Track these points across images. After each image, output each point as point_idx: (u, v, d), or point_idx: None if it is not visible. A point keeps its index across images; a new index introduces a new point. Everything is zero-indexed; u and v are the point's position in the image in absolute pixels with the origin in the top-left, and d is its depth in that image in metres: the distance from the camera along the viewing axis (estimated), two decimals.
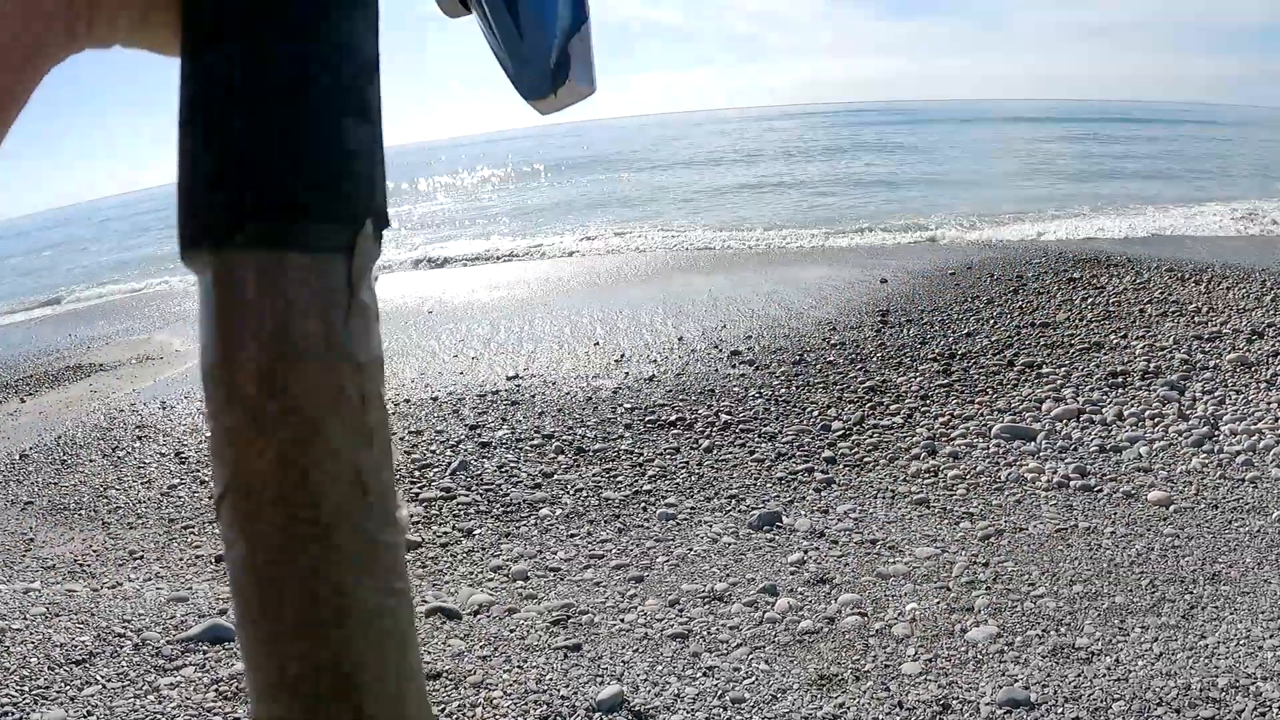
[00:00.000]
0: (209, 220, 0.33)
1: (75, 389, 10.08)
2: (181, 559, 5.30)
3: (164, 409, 8.26)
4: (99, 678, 3.72)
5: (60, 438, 7.75)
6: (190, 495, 6.25)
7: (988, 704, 3.46)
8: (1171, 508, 5.11)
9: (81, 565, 5.30)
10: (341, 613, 0.33)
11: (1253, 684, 3.46)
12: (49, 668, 3.78)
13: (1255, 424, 6.05)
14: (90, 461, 7.14)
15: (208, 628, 4.09)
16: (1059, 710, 3.40)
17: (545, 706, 3.53)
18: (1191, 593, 4.21)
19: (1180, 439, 5.96)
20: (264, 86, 0.33)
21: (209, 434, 0.34)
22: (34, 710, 3.48)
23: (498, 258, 17.64)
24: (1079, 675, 3.60)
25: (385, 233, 0.37)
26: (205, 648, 3.97)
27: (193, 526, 5.76)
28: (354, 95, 0.35)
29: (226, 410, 0.33)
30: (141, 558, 5.36)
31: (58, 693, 3.63)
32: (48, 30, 0.35)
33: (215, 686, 3.66)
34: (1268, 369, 6.93)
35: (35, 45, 0.35)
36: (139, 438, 7.51)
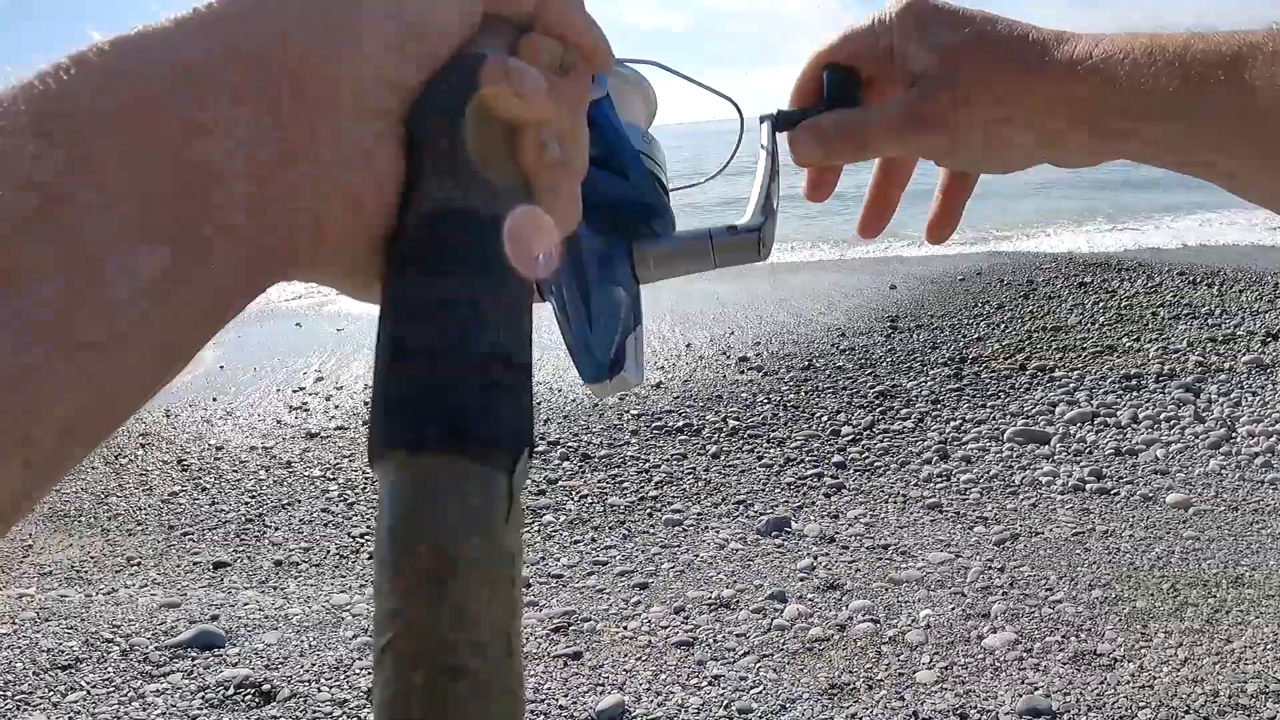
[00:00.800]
0: (409, 427, 0.38)
1: None
2: (179, 566, 5.20)
3: (168, 417, 8.16)
4: (84, 684, 3.63)
5: None
6: (190, 502, 6.16)
7: (1007, 713, 3.34)
8: (1190, 510, 4.98)
9: (78, 571, 5.20)
10: None
11: None
12: (34, 673, 3.69)
13: (1273, 425, 5.92)
14: (92, 468, 7.05)
15: (197, 633, 4.00)
16: (1083, 719, 3.28)
17: (543, 717, 3.42)
18: (1215, 596, 4.08)
19: (1197, 441, 5.84)
20: (460, 343, 0.39)
21: (376, 611, 0.36)
22: (16, 715, 3.41)
23: None
24: (1102, 682, 3.47)
25: None
26: (194, 654, 3.87)
27: (192, 533, 5.66)
28: (521, 353, 0.42)
29: (398, 591, 0.36)
30: (139, 564, 5.27)
31: (41, 698, 3.54)
32: (259, 278, 0.43)
33: (202, 694, 3.56)
34: None
35: (244, 291, 0.43)
36: (142, 445, 7.42)
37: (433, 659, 0.35)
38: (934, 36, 0.77)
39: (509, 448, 0.39)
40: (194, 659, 3.82)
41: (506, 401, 0.40)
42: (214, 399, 8.73)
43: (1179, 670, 3.53)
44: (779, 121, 0.85)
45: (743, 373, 7.62)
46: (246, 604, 4.49)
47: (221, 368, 10.41)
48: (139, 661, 3.79)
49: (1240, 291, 9.03)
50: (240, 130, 0.38)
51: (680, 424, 6.61)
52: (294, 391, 8.39)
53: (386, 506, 0.37)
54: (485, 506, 0.37)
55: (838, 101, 0.83)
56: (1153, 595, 4.12)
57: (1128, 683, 3.47)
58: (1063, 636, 3.83)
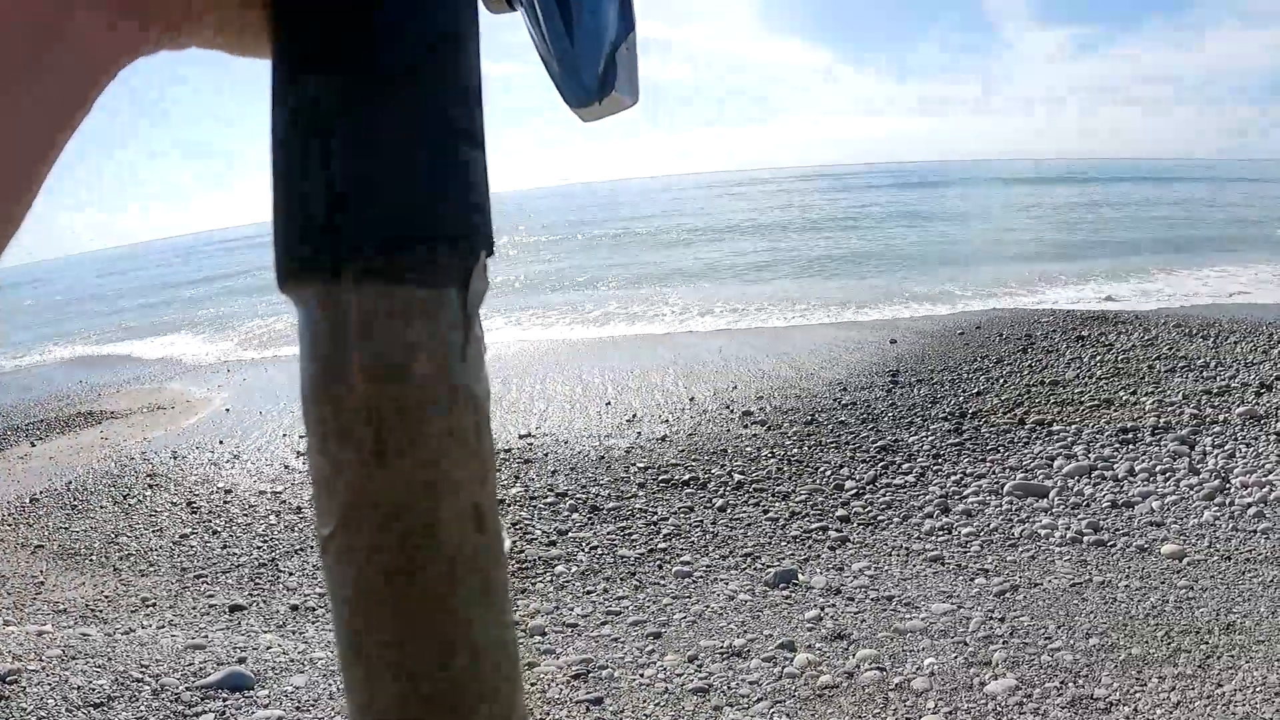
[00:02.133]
0: (316, 251, 0.31)
1: (86, 435, 10.18)
2: (195, 608, 5.33)
3: (175, 459, 8.33)
4: None
5: (70, 483, 7.82)
6: (203, 545, 6.30)
7: None
8: (1185, 560, 5.12)
9: (93, 610, 5.33)
10: (463, 644, 0.33)
11: None
12: (67, 710, 3.80)
13: (1266, 475, 6.07)
14: (100, 508, 7.19)
15: (227, 675, 4.12)
16: None
17: None
18: (1207, 642, 4.22)
19: (1191, 493, 5.98)
20: (375, 113, 0.32)
21: (311, 467, 0.32)
22: None
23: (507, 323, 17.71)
24: None
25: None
26: (225, 694, 3.99)
27: (205, 576, 5.79)
28: (464, 121, 0.34)
29: (338, 444, 0.31)
30: (154, 605, 5.39)
31: None
32: (123, 22, 0.33)
33: None
34: (1276, 421, 6.96)
35: (108, 42, 0.33)
36: (150, 486, 7.57)
37: (386, 535, 0.31)
38: None
39: (458, 255, 0.33)
40: (225, 700, 3.94)
41: (446, 191, 0.33)
42: (220, 442, 8.89)
43: (1172, 713, 3.66)
44: None
45: (746, 426, 7.78)
46: (269, 647, 4.62)
47: (228, 410, 10.58)
48: (171, 701, 3.90)
49: (1235, 343, 9.19)
50: None
51: (686, 477, 6.76)
52: (300, 436, 8.53)
53: (305, 349, 0.32)
54: (431, 341, 0.32)
55: None
56: (1147, 642, 4.26)
57: None
58: (1061, 682, 3.97)
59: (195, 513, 6.89)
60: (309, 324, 0.32)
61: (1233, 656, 4.07)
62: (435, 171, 0.32)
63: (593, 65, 0.54)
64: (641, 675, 4.25)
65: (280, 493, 7.03)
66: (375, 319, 0.31)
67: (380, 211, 0.31)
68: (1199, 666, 4.02)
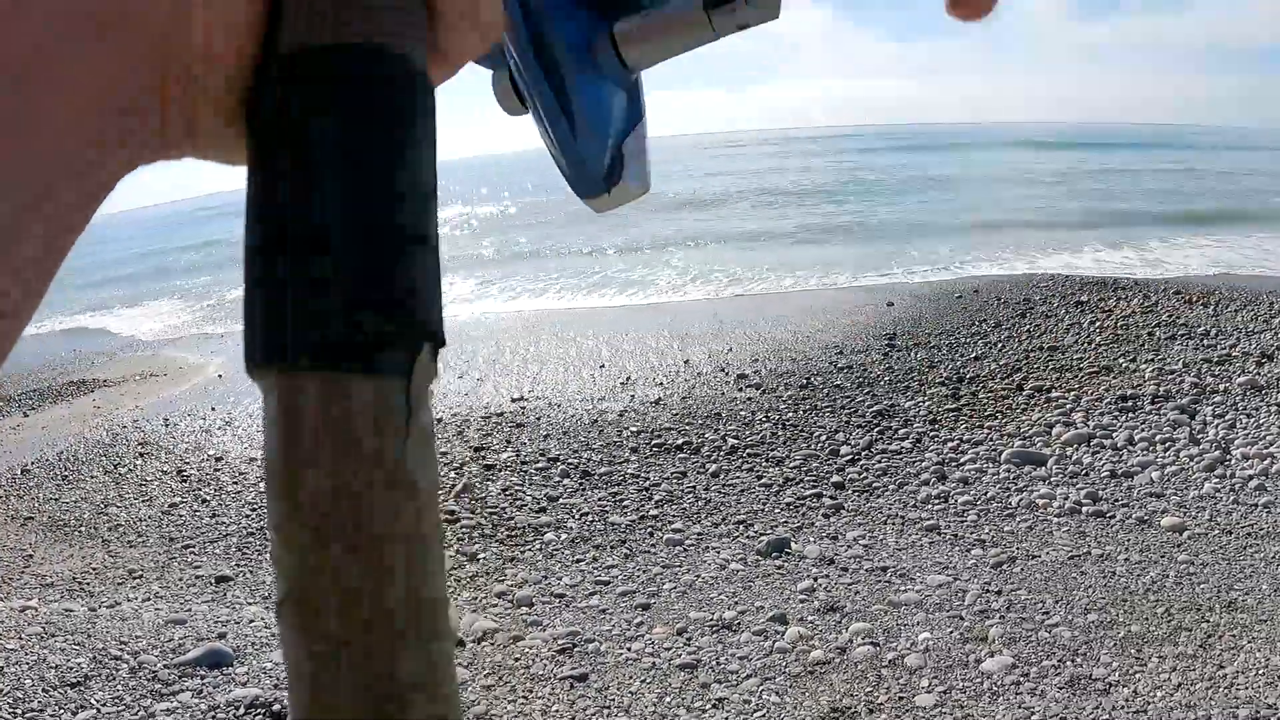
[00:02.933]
0: (275, 342, 0.33)
1: (79, 404, 10.08)
2: (181, 579, 5.25)
3: (167, 426, 8.23)
4: (94, 701, 3.67)
5: (62, 453, 7.73)
6: (191, 514, 6.21)
7: None
8: (1185, 534, 5.04)
9: (80, 584, 5.25)
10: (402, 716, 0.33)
11: (1274, 715, 3.40)
12: (43, 690, 3.73)
13: (1267, 448, 5.98)
14: (91, 478, 7.10)
15: (206, 652, 4.04)
16: None
17: None
18: (1208, 620, 4.14)
19: (1192, 464, 5.90)
20: (333, 214, 0.34)
21: (270, 541, 0.34)
22: None
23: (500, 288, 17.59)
24: (1097, 707, 3.53)
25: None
26: (203, 672, 3.91)
27: (193, 545, 5.71)
28: (416, 224, 0.36)
29: (288, 523, 0.33)
30: (141, 577, 5.31)
31: (51, 716, 3.58)
32: (128, 135, 0.35)
33: (213, 713, 3.60)
34: (1278, 392, 6.87)
35: (111, 153, 0.35)
36: (141, 455, 7.48)
37: (326, 620, 0.32)
38: None
39: (403, 346, 0.34)
40: (203, 678, 3.86)
41: (393, 288, 0.34)
42: (212, 408, 8.79)
43: (1173, 695, 3.59)
44: None
45: (741, 390, 7.67)
46: (252, 621, 4.54)
47: (220, 376, 10.48)
48: (148, 679, 3.83)
49: (1235, 311, 9.08)
50: None
51: (680, 442, 6.66)
52: None
53: (266, 432, 0.34)
54: (375, 429, 0.33)
55: None
56: (1147, 620, 4.18)
57: (1123, 708, 3.53)
58: (1059, 661, 3.89)
59: (185, 481, 6.80)
60: (267, 409, 0.34)
61: (1235, 636, 3.99)
62: (385, 273, 0.34)
63: (599, 157, 0.57)
64: (629, 649, 4.17)
65: None
66: (321, 409, 0.33)
67: (328, 310, 0.33)
68: (1200, 646, 3.93)
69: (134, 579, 5.30)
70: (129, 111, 0.34)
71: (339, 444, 0.32)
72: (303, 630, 0.33)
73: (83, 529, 6.17)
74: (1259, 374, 7.25)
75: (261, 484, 6.68)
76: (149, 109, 0.35)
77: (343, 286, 0.33)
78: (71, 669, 3.88)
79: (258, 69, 0.37)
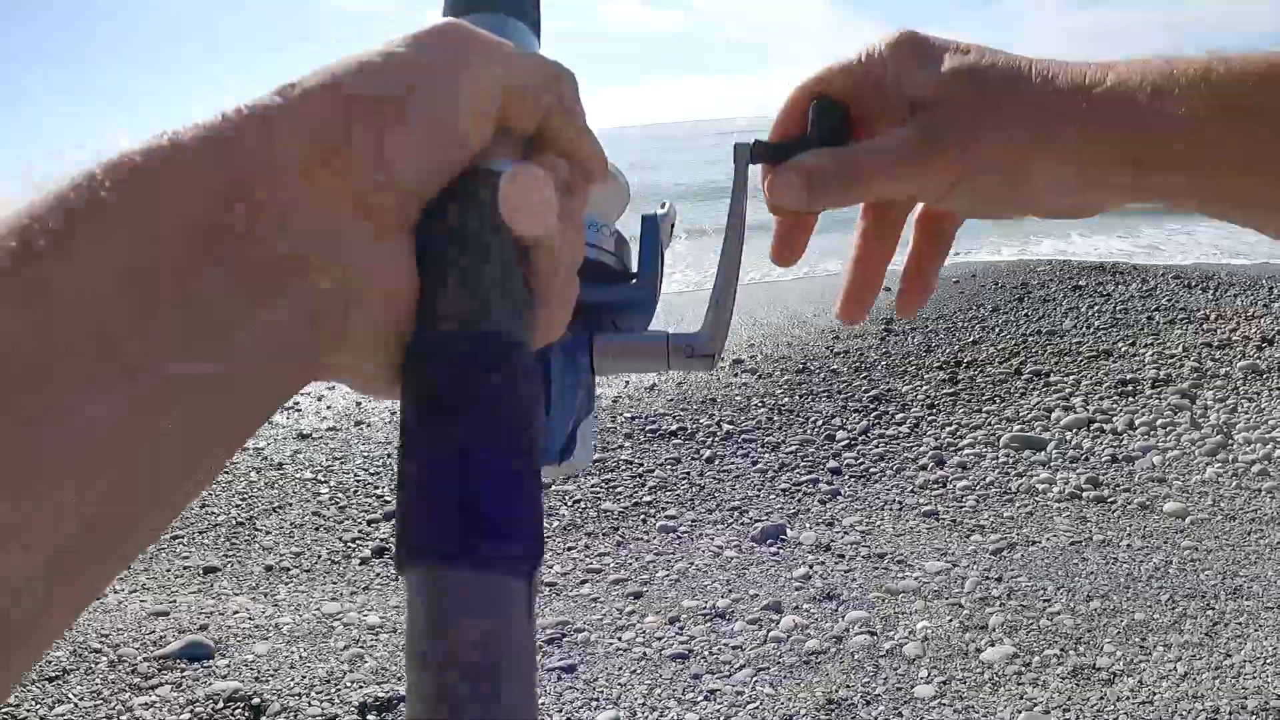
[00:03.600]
0: (426, 545, 0.39)
1: None
2: (169, 570, 5.15)
3: None
4: (72, 695, 3.58)
5: None
6: None
7: None
8: (1188, 519, 4.95)
9: None
10: None
11: None
12: (23, 684, 3.63)
13: (1269, 432, 5.91)
14: None
15: (186, 644, 3.95)
16: None
17: None
18: (1213, 608, 4.05)
19: (1194, 448, 5.81)
20: (481, 453, 0.40)
21: (407, 708, 0.38)
22: None
23: None
24: (1102, 698, 3.44)
25: None
26: (183, 665, 3.82)
27: (182, 537, 5.60)
28: (536, 468, 0.43)
29: (426, 699, 0.37)
30: (129, 568, 5.21)
31: (28, 711, 3.50)
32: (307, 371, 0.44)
33: (191, 707, 3.51)
34: (1279, 376, 6.79)
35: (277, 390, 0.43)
36: None
37: None
38: (932, 64, 0.70)
39: (530, 554, 0.40)
40: (183, 670, 3.77)
41: (526, 511, 0.41)
42: None
43: (1178, 685, 3.50)
44: (757, 153, 0.78)
45: (736, 375, 7.58)
46: (237, 612, 4.44)
47: None
48: (127, 673, 3.74)
49: (1235, 296, 9.02)
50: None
51: (674, 427, 6.57)
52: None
53: (417, 619, 0.38)
54: (513, 615, 0.39)
55: (826, 139, 0.74)
56: (1151, 607, 4.09)
57: (1127, 698, 3.44)
58: (1061, 650, 3.80)
59: None
60: (412, 600, 0.39)
61: (1240, 624, 3.90)
62: (515, 508, 0.41)
63: (559, 435, 0.68)
64: (619, 639, 4.07)
65: (262, 448, 6.82)
66: (465, 604, 0.38)
67: (474, 526, 0.39)
68: (1205, 634, 3.85)
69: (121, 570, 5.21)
70: (305, 366, 0.44)
71: (484, 629, 0.38)
72: None
73: None
74: (1259, 358, 7.17)
75: (251, 474, 6.69)
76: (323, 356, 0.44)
77: (482, 506, 0.39)
78: (50, 663, 3.79)
79: (409, 345, 0.44)
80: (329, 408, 7.58)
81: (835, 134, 0.75)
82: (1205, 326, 8.08)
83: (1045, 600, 4.22)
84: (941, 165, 0.69)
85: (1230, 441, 5.84)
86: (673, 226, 0.88)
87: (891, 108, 0.72)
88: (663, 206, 0.88)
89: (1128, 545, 4.70)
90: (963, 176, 0.69)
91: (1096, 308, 8.83)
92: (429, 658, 0.38)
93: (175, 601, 4.59)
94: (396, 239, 0.44)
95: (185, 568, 5.16)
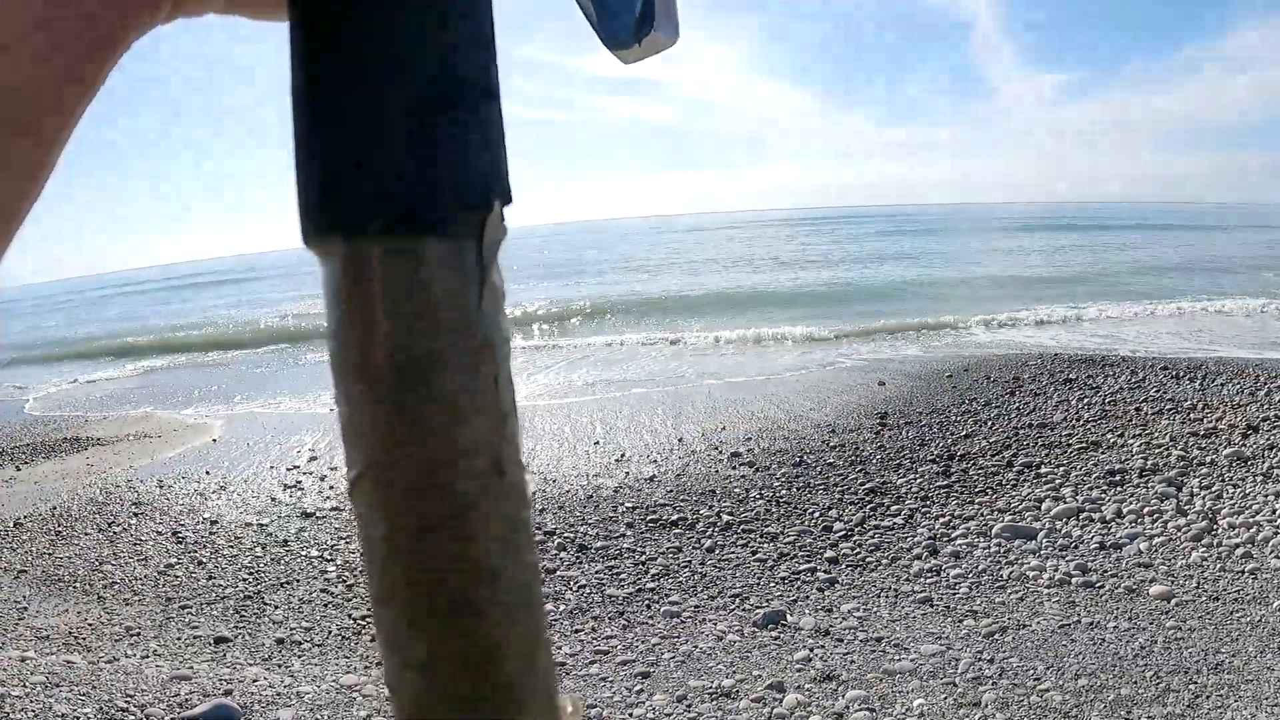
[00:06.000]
0: (339, 207, 0.32)
1: (71, 461, 10.15)
2: (180, 639, 5.29)
3: (161, 488, 8.30)
4: None
5: (55, 509, 7.80)
6: (188, 575, 6.26)
7: None
8: (1173, 601, 5.12)
9: (77, 638, 5.29)
10: (488, 589, 0.34)
11: None
12: None
13: (1253, 516, 6.08)
14: (85, 535, 7.16)
15: (213, 707, 4.09)
16: None
17: None
18: (1196, 682, 4.21)
19: (1179, 534, 5.99)
20: (393, 70, 0.32)
21: (339, 418, 0.34)
22: None
23: None
24: None
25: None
26: None
27: (190, 607, 5.75)
28: (482, 74, 0.34)
29: (361, 397, 0.32)
30: (139, 634, 5.35)
31: None
32: None
33: None
34: (1263, 462, 6.99)
35: (119, 12, 0.34)
36: (135, 514, 7.54)
37: (410, 487, 0.32)
38: None
39: (473, 204, 0.34)
40: None
41: (463, 144, 0.34)
42: (206, 472, 8.86)
43: None
44: None
45: (735, 468, 7.77)
46: (256, 680, 4.58)
47: (215, 441, 10.54)
48: None
49: (1222, 385, 9.23)
50: None
51: (675, 517, 6.74)
52: (288, 469, 8.53)
53: (329, 304, 0.33)
54: (450, 291, 0.33)
55: None
56: (1136, 683, 4.25)
57: None
58: None
59: (180, 542, 6.86)
60: (331, 279, 0.33)
61: (1221, 696, 4.06)
62: (452, 130, 0.33)
63: (630, 5, 0.53)
64: (630, 715, 4.23)
65: (266, 525, 7.00)
66: (394, 273, 0.32)
67: (397, 171, 0.32)
68: (1188, 706, 4.01)
69: (131, 636, 5.34)
70: None
71: (413, 308, 0.32)
72: (382, 509, 0.33)
73: (78, 584, 6.22)
74: (1244, 445, 7.37)
75: (257, 549, 6.82)
76: None
77: (410, 145, 0.32)
78: (78, 718, 3.91)
79: None
80: (331, 488, 7.77)
81: None
82: (1192, 416, 8.29)
83: (1035, 679, 4.37)
84: None
85: (1215, 526, 6.02)
86: None
87: None
88: None
89: (1115, 627, 4.86)
90: None
91: (1086, 400, 9.04)
92: (356, 364, 0.33)
93: (193, 669, 4.72)
94: None
95: (196, 637, 5.30)
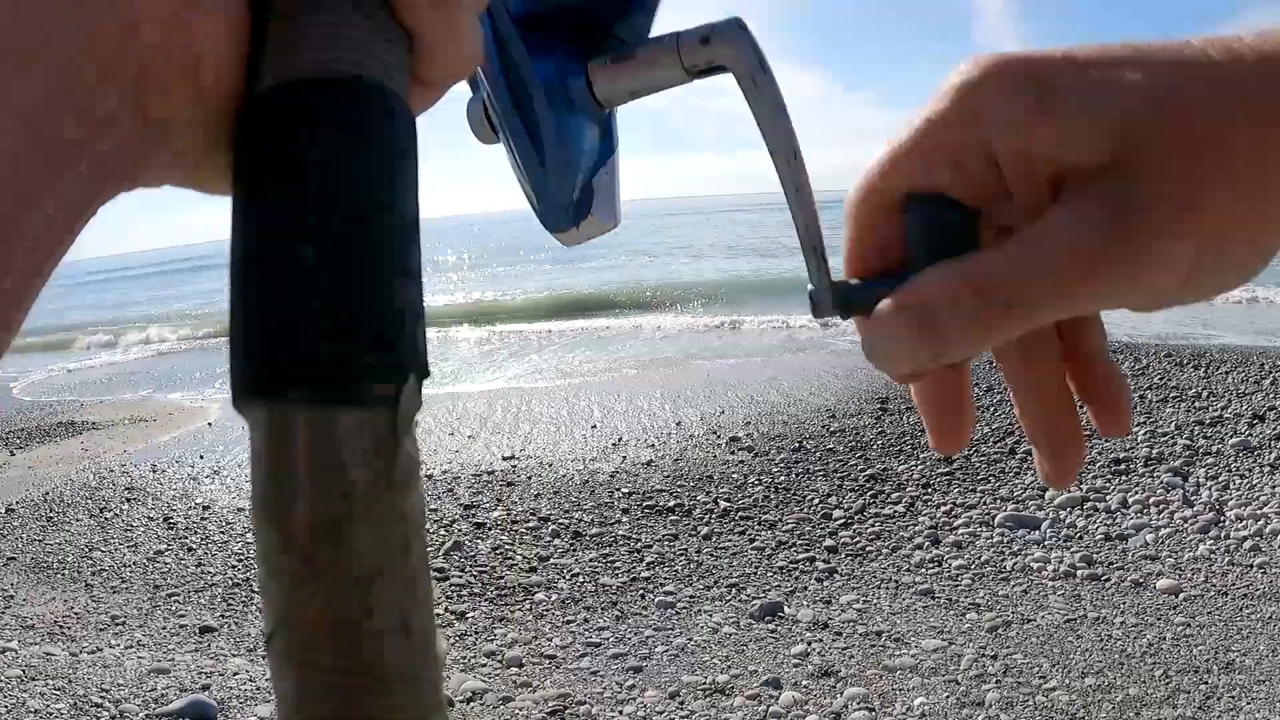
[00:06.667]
0: (263, 375, 0.33)
1: (66, 445, 10.08)
2: (164, 627, 5.19)
3: (155, 472, 8.20)
4: None
5: (48, 494, 7.71)
6: (176, 562, 6.15)
7: None
8: (1181, 595, 5.00)
9: (62, 628, 5.19)
10: None
11: None
12: None
13: (1261, 508, 5.96)
14: (76, 520, 7.07)
15: (189, 703, 3.99)
16: None
17: None
18: (1206, 682, 4.09)
19: (1186, 525, 5.87)
20: (314, 247, 0.33)
21: (258, 573, 0.35)
22: None
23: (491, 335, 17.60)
24: None
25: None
26: None
27: (177, 594, 5.65)
28: (400, 255, 0.35)
29: (277, 555, 0.33)
30: (124, 623, 5.25)
31: None
32: (102, 167, 0.35)
33: None
34: (1271, 452, 6.86)
35: (86, 182, 0.34)
36: (127, 500, 7.44)
37: (317, 651, 0.33)
38: (1076, 104, 0.43)
39: (390, 378, 0.34)
40: None
41: (380, 321, 0.34)
42: (201, 456, 8.76)
43: None
44: (840, 299, 0.54)
45: (733, 453, 7.65)
46: (236, 673, 4.47)
47: (210, 425, 10.45)
48: None
49: (1227, 373, 9.11)
50: None
51: (672, 504, 6.63)
52: None
53: (253, 461, 0.34)
54: (363, 457, 0.33)
55: (946, 250, 0.47)
56: (1145, 683, 4.14)
57: None
58: None
59: (172, 528, 6.76)
60: (255, 440, 0.34)
61: (1233, 697, 3.94)
62: (370, 305, 0.34)
63: (568, 191, 0.58)
64: (620, 712, 4.11)
65: None
66: (312, 439, 0.33)
67: (315, 341, 0.33)
68: (1199, 708, 3.89)
69: (116, 625, 5.24)
70: (95, 124, 0.34)
71: (326, 476, 0.33)
72: (293, 662, 0.33)
73: (66, 572, 6.12)
74: (1251, 435, 7.25)
75: (249, 535, 6.70)
76: (119, 124, 0.35)
77: (328, 318, 0.33)
78: (51, 714, 3.83)
79: (243, 101, 0.37)
80: None
81: (960, 244, 0.48)
82: (1197, 404, 8.17)
83: (1041, 677, 4.26)
84: (1162, 252, 0.42)
85: (1222, 518, 5.90)
86: None
87: (1030, 187, 0.47)
88: None
89: (1122, 622, 4.75)
90: (1197, 262, 0.43)
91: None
92: (273, 527, 0.33)
93: (174, 660, 4.62)
94: None
95: (181, 626, 5.20)
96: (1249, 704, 3.87)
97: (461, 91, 0.64)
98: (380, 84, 0.36)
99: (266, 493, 0.33)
